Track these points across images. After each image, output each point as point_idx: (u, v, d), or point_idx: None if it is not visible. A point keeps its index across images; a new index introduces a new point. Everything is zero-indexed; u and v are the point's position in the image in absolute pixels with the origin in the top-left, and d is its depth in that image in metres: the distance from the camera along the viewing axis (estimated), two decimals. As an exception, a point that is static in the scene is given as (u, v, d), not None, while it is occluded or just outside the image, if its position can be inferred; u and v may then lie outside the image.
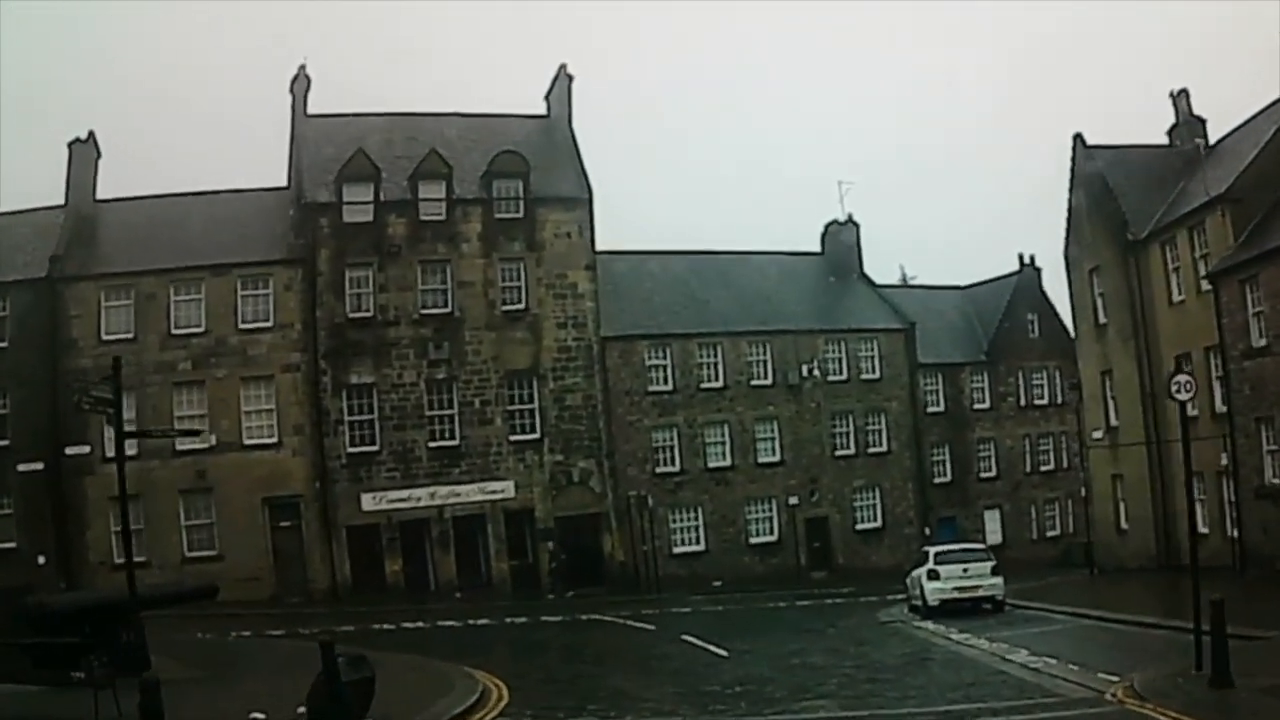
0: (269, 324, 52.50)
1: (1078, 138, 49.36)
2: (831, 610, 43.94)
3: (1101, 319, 48.53)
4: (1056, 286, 58.08)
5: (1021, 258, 65.97)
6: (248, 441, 51.69)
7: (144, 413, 48.64)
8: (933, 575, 37.88)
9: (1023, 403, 64.76)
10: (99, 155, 53.16)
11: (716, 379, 57.86)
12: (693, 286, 60.84)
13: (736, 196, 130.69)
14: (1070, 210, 50.11)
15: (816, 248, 65.50)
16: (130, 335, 50.35)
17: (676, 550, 56.54)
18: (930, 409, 61.83)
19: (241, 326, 52.29)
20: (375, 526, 51.86)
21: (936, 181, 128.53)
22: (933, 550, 39.98)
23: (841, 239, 64.92)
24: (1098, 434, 49.00)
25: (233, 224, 53.94)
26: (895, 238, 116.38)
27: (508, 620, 41.84)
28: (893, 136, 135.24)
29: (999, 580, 36.68)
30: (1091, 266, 49.17)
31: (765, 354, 59.71)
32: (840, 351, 60.16)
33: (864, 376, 60.02)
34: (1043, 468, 64.71)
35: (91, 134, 53.76)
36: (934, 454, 61.97)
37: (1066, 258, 51.13)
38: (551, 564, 51.05)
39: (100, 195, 53.19)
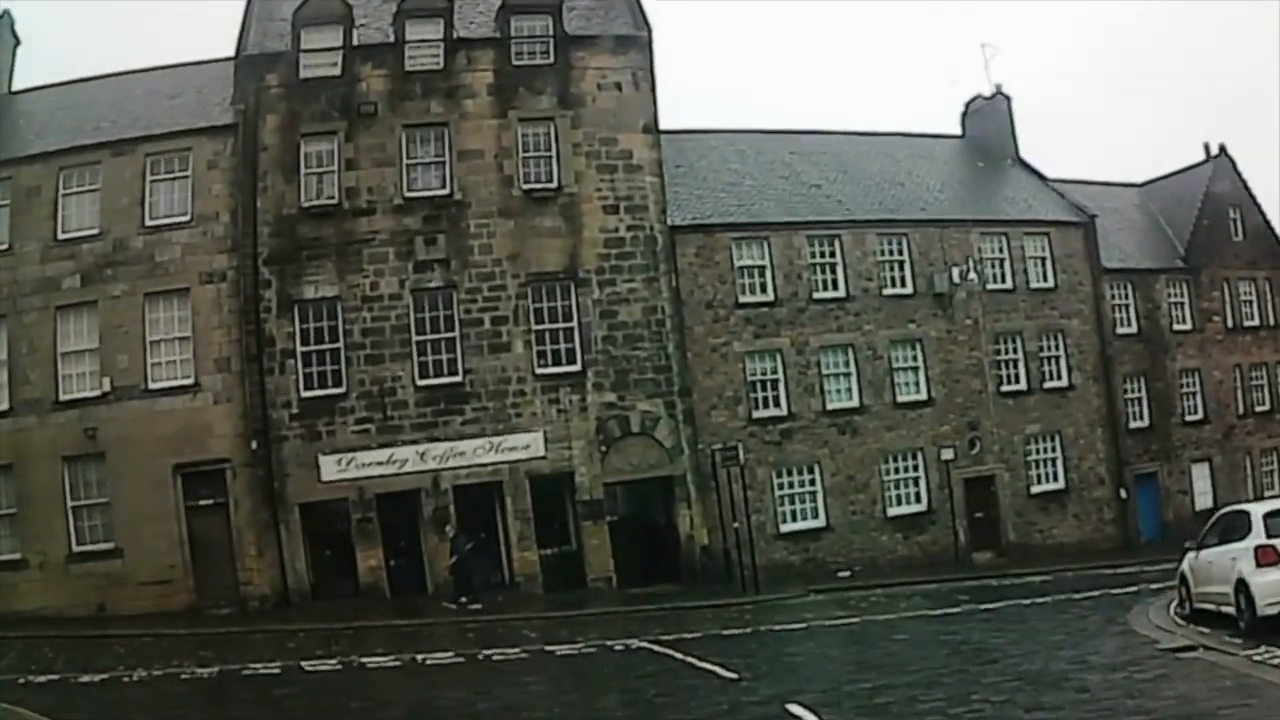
0: (185, 217, 34.54)
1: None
2: (1039, 619, 25.58)
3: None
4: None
5: (1207, 147, 50.14)
6: (153, 384, 33.82)
7: (16, 349, 33.45)
8: (1270, 557, 18.63)
9: (1230, 323, 47.85)
10: (17, 42, 40.54)
11: (835, 286, 39.66)
12: (796, 170, 42.44)
13: (835, 75, 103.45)
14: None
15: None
16: (3, 245, 34.25)
17: (784, 527, 38.09)
18: (1119, 330, 44.98)
19: (149, 223, 34.41)
20: (341, 503, 34.07)
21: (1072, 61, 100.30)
22: (1258, 512, 20.31)
23: (988, 118, 48.67)
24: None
25: (156, 98, 36.95)
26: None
27: (518, 654, 23.57)
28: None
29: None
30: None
31: (902, 251, 41.07)
32: (1001, 250, 42.77)
33: (1034, 285, 43.16)
34: (1257, 408, 47.97)
35: (6, 13, 40.14)
36: (1126, 389, 44.69)
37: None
38: (452, 557, 32.26)
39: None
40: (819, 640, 24.17)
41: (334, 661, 22.56)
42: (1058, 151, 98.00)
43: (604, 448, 35.00)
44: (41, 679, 20.62)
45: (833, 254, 39.15)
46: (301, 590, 33.04)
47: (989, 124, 48.70)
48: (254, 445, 33.34)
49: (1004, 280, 42.10)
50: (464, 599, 30.89)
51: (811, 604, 31.18)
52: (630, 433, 35.40)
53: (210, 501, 33.04)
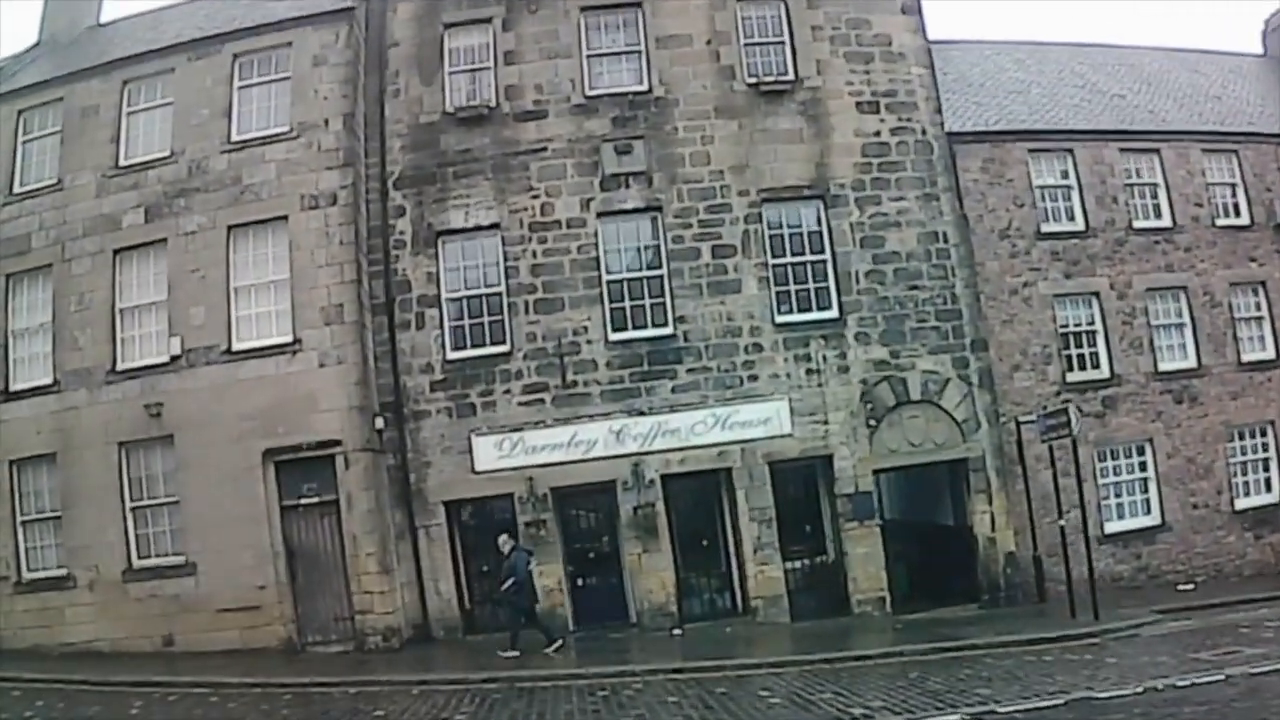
0: (284, 128, 24.15)
1: None
2: None
3: None
4: None
5: None
6: (239, 344, 23.24)
7: (63, 308, 23.77)
8: None
9: None
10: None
11: (1158, 213, 28.19)
12: (1090, 80, 31.32)
13: None
14: None
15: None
16: (53, 181, 24.66)
17: (1109, 526, 26.10)
18: None
19: (235, 139, 24.21)
20: (503, 501, 23.27)
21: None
22: None
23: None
24: None
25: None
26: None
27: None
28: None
29: None
30: None
31: (1233, 173, 29.24)
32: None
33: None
34: None
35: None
36: None
37: None
38: (508, 583, 21.12)
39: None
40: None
41: None
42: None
43: (872, 422, 23.42)
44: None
45: (1153, 173, 28.33)
46: (447, 621, 22.17)
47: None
48: (379, 423, 22.33)
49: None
50: (515, 648, 20.21)
51: (1167, 637, 19.72)
52: (908, 400, 23.91)
53: (315, 500, 22.34)
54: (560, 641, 20.42)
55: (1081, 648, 19.11)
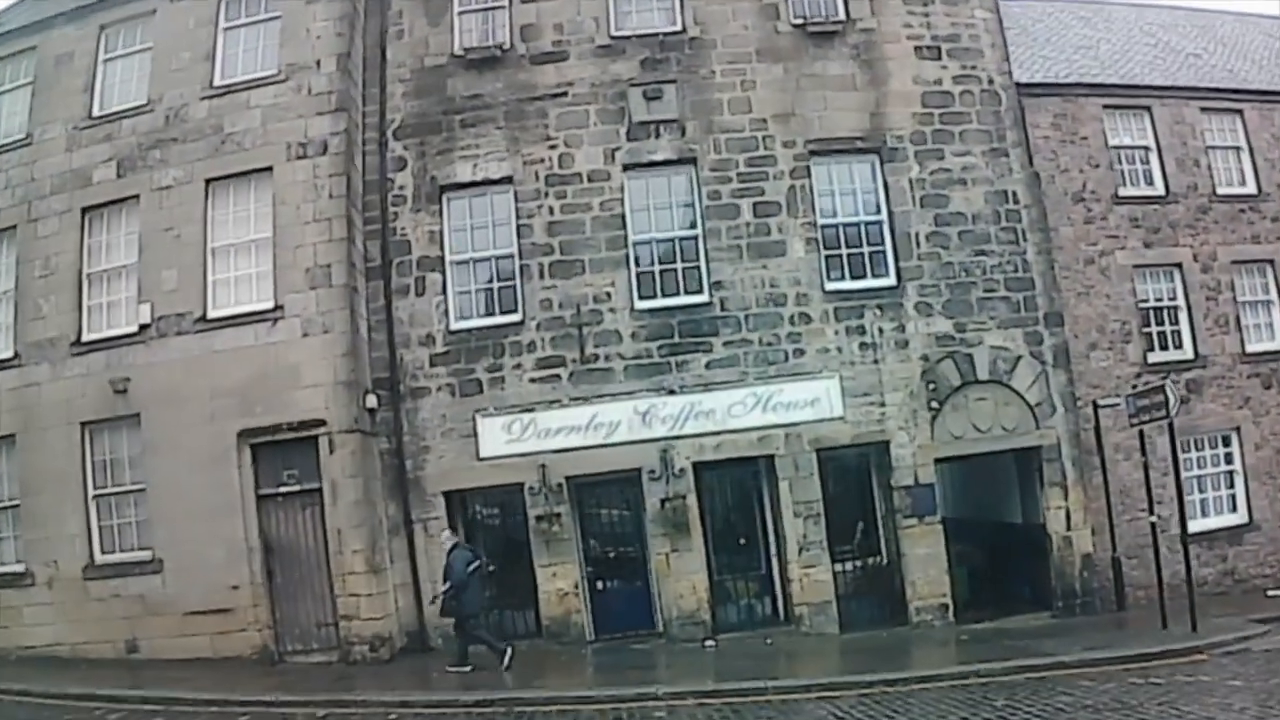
0: (273, 71, 21.14)
1: None
2: None
3: None
4: None
5: None
6: (215, 312, 20.03)
7: (26, 274, 21.05)
8: None
9: None
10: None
11: (1242, 179, 24.86)
12: (1163, 39, 28.50)
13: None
14: None
15: None
16: (22, 136, 21.91)
17: (1191, 525, 21.97)
18: None
19: (218, 84, 21.18)
20: (513, 492, 20.21)
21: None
22: None
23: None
24: None
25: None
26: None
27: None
28: None
29: None
30: None
31: None
32: None
33: None
34: None
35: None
36: None
37: None
38: (446, 586, 18.21)
39: None
40: None
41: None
42: None
43: (935, 404, 20.16)
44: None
45: (1235, 134, 25.28)
46: (446, 629, 18.14)
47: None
48: (370, 401, 19.47)
49: None
50: (468, 663, 17.33)
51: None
52: (974, 380, 20.68)
53: (295, 488, 19.31)
54: (508, 650, 17.21)
55: (1189, 666, 16.10)
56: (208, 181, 20.49)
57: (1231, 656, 16.65)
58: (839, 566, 19.98)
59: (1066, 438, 21.05)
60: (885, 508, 20.65)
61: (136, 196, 20.83)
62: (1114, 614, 20.81)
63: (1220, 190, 24.67)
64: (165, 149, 20.83)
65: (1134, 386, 21.53)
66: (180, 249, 20.29)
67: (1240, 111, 25.35)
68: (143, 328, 20.09)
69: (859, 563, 20.37)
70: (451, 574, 17.48)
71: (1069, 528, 20.83)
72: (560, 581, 19.36)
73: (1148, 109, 24.40)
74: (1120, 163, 24.06)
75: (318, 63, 20.96)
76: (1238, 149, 25.24)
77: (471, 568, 17.55)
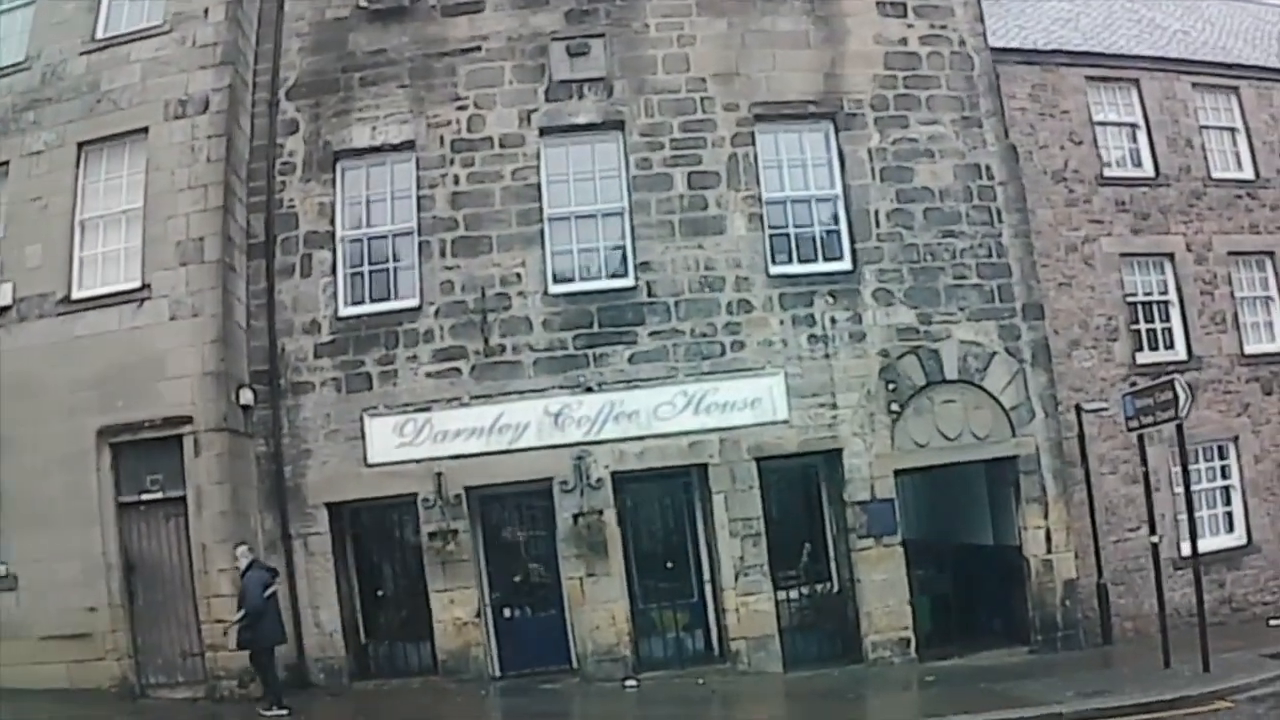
0: (157, 22, 18.26)
1: None
2: None
3: None
4: None
5: None
6: (80, 292, 17.21)
7: None
8: None
9: None
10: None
11: (1238, 162, 22.30)
12: (1145, 15, 25.92)
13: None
14: None
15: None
16: None
17: (1185, 547, 19.00)
18: None
19: (99, 37, 18.36)
20: (405, 503, 17.15)
21: None
22: None
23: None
24: None
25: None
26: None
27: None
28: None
29: None
30: None
31: None
32: None
33: None
34: None
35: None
36: None
37: None
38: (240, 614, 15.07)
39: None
40: None
41: None
42: None
43: (895, 407, 17.44)
44: None
45: (1229, 114, 22.78)
46: (330, 662, 16.74)
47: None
48: (244, 396, 16.46)
49: None
50: (282, 707, 14.56)
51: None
52: (941, 379, 17.78)
53: (159, 495, 16.37)
54: (287, 713, 14.32)
55: (1211, 716, 13.23)
56: (80, 145, 17.87)
57: (1260, 703, 14.03)
58: (783, 594, 17.36)
59: (1047, 447, 18.36)
60: (837, 527, 17.93)
61: (6, 164, 18.22)
62: (1099, 649, 18.33)
63: (1215, 174, 22.24)
64: (39, 110, 18.17)
65: (1122, 390, 18.66)
66: (47, 222, 17.69)
67: (1236, 89, 22.93)
68: (2, 310, 17.28)
69: (806, 590, 17.77)
70: (247, 599, 14.67)
71: (1049, 550, 18.15)
72: (458, 609, 16.55)
73: (1135, 82, 21.84)
74: (1105, 140, 21.52)
75: (205, 11, 18.37)
76: (1233, 130, 22.81)
77: (269, 592, 14.68)
